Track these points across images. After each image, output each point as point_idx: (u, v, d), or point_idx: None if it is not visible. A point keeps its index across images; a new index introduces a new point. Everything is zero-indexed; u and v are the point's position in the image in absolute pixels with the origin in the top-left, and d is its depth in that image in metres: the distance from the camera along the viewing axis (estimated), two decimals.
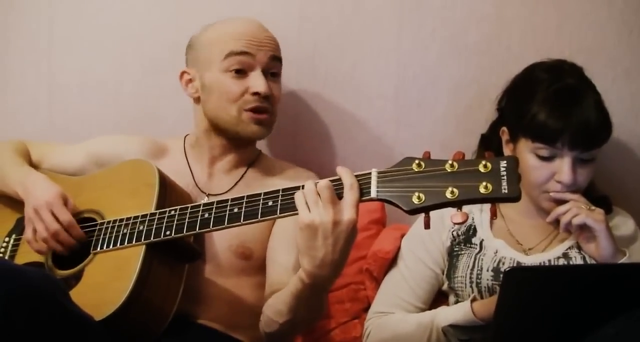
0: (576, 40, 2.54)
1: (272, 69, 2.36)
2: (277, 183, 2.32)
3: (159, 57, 2.75)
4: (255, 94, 2.29)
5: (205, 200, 2.16)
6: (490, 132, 2.40)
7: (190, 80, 2.39)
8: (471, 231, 2.34)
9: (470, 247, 2.31)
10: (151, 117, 2.76)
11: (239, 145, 2.38)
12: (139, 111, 2.77)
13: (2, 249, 2.31)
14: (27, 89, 2.84)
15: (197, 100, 2.39)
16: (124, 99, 2.80)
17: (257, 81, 2.30)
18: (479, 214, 2.35)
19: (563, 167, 2.18)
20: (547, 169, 2.20)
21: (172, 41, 2.71)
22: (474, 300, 2.19)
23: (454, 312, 2.19)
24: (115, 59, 2.79)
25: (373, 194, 1.80)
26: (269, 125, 2.36)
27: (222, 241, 2.26)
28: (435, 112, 2.65)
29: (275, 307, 2.09)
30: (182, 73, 2.41)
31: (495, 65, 2.54)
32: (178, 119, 2.61)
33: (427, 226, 1.77)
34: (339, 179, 1.85)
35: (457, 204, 1.72)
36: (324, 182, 1.83)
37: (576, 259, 2.23)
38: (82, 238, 2.18)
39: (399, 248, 2.43)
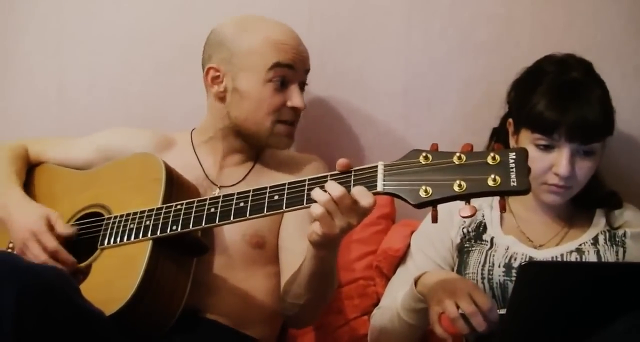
0: (585, 38, 2.53)
1: (304, 83, 2.40)
2: (286, 172, 2.38)
3: (167, 57, 2.75)
4: (293, 108, 2.32)
5: (217, 192, 2.15)
6: (500, 125, 2.40)
7: (217, 78, 2.35)
8: (481, 228, 2.33)
9: (481, 243, 2.29)
10: (159, 116, 2.76)
11: (256, 146, 2.39)
12: (147, 110, 2.78)
13: (10, 245, 2.31)
14: (37, 87, 2.85)
15: (222, 99, 2.36)
16: (132, 98, 2.80)
17: (296, 96, 2.32)
18: (489, 211, 2.35)
19: (560, 158, 2.16)
20: (545, 161, 2.18)
21: (180, 41, 2.72)
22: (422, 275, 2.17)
23: (404, 290, 2.18)
24: (124, 58, 2.80)
25: (379, 187, 1.79)
26: (294, 136, 2.39)
27: (236, 231, 2.26)
28: (444, 110, 2.64)
29: (294, 292, 2.14)
30: (209, 69, 2.34)
31: (504, 63, 2.52)
32: (186, 118, 2.60)
33: (434, 219, 1.76)
34: (341, 173, 1.86)
35: (465, 197, 1.71)
36: (339, 193, 1.82)
37: (589, 253, 2.22)
38: (71, 262, 2.15)
39: (409, 245, 2.42)
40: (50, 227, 2.18)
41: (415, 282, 2.12)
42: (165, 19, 2.76)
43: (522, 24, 2.58)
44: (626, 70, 2.51)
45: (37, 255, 2.14)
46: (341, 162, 1.87)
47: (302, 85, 2.37)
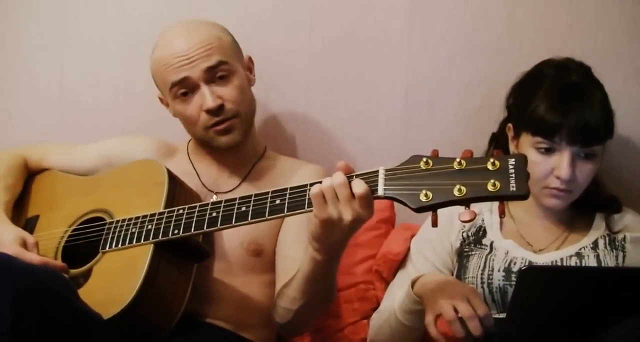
0: (587, 41, 2.54)
1: (216, 78, 2.29)
2: (284, 178, 2.36)
3: None
4: (207, 111, 2.27)
5: (214, 199, 2.15)
6: (499, 130, 2.40)
7: (167, 104, 2.40)
8: (481, 232, 2.33)
9: (481, 248, 2.30)
10: (161, 116, 2.73)
11: (232, 149, 2.36)
12: (149, 110, 2.76)
13: None
14: (39, 87, 2.85)
15: None
16: (134, 98, 2.80)
17: (203, 98, 2.27)
18: (489, 215, 2.35)
19: (562, 162, 2.17)
20: (546, 164, 2.19)
21: None
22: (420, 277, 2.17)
23: (402, 293, 2.18)
24: (126, 59, 2.80)
25: (380, 191, 1.79)
26: (239, 128, 2.32)
27: (234, 238, 2.27)
28: (445, 113, 2.65)
29: (289, 295, 2.12)
30: (160, 98, 2.43)
31: (506, 66, 2.54)
32: None
33: (434, 224, 1.75)
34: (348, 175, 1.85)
35: (465, 202, 1.71)
36: (340, 180, 1.82)
37: (589, 258, 2.23)
38: (60, 266, 2.12)
39: (408, 249, 2.42)
40: (26, 247, 2.15)
41: (413, 284, 2.12)
42: (167, 18, 2.74)
43: (523, 27, 2.59)
44: (627, 73, 2.52)
45: None
46: (340, 165, 1.87)
47: (211, 82, 2.28)
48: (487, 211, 2.35)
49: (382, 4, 2.65)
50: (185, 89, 2.28)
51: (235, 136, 2.31)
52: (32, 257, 2.09)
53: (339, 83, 2.69)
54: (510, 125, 2.32)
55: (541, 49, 2.47)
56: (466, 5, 2.60)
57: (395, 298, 2.21)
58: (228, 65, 2.30)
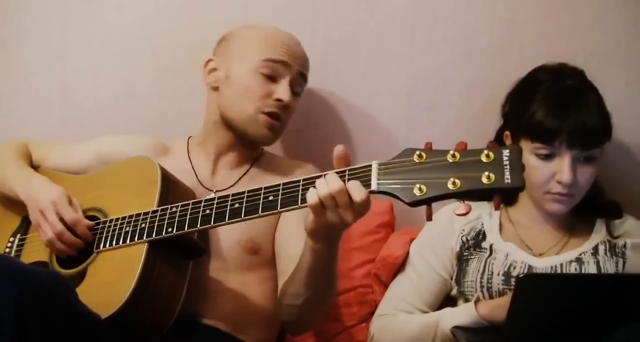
0: (589, 44, 2.54)
1: (297, 86, 2.38)
2: (281, 179, 2.31)
3: (171, 59, 2.74)
4: (278, 100, 2.31)
5: (213, 196, 2.15)
6: (496, 139, 2.39)
7: (214, 70, 2.39)
8: (481, 236, 2.32)
9: (480, 251, 2.29)
10: (163, 119, 2.76)
11: (244, 144, 2.38)
12: (150, 113, 2.77)
13: (7, 249, 2.31)
14: (40, 89, 2.84)
15: (215, 89, 2.39)
16: (136, 101, 2.79)
17: (283, 89, 2.32)
18: (488, 219, 2.34)
19: (562, 166, 2.17)
20: (547, 169, 2.19)
21: (184, 44, 2.71)
22: (477, 301, 2.17)
23: (459, 314, 2.18)
24: (128, 61, 2.79)
25: (374, 186, 1.77)
26: (278, 133, 2.38)
27: (231, 237, 2.26)
28: (447, 114, 2.64)
29: (291, 291, 2.11)
30: (208, 61, 2.42)
31: (508, 68, 2.53)
32: (189, 121, 2.61)
33: (428, 218, 1.74)
34: (336, 172, 1.83)
35: (459, 195, 1.69)
36: (338, 187, 1.80)
37: (589, 264, 2.22)
38: (87, 237, 2.16)
39: (408, 253, 2.41)
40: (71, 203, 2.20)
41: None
42: (169, 22, 2.76)
43: (525, 29, 2.59)
44: (630, 77, 2.52)
45: (53, 224, 2.15)
46: (339, 149, 1.87)
47: (293, 85, 2.35)
48: (486, 215, 2.35)
49: (383, 5, 2.65)
50: (273, 72, 2.32)
51: (273, 137, 2.37)
52: (68, 213, 2.16)
53: (341, 85, 2.69)
54: (507, 132, 2.32)
55: (543, 52, 2.47)
56: (468, 6, 2.61)
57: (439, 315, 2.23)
58: (305, 86, 2.44)
